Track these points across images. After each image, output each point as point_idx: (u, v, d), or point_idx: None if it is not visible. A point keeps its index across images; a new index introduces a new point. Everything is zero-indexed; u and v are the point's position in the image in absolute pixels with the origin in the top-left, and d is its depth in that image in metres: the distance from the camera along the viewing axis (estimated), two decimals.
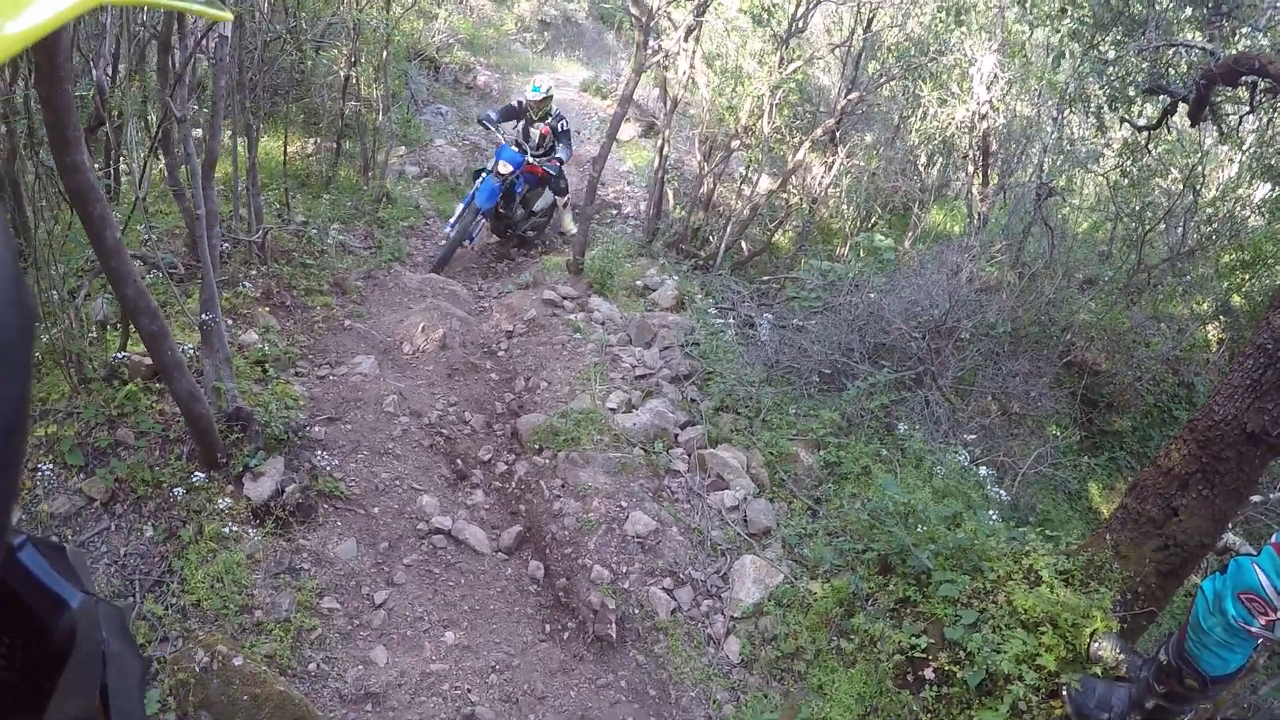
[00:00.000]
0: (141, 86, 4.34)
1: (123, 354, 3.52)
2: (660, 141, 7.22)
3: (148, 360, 3.72)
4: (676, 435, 5.05)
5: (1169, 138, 6.88)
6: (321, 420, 4.39)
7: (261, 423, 3.63)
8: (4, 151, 3.29)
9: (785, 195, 7.85)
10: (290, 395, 4.35)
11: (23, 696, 0.54)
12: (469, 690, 3.26)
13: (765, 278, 7.47)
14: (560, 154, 7.59)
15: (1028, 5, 5.90)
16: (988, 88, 7.00)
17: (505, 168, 7.09)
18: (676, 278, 7.02)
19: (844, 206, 8.47)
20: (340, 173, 7.27)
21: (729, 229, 7.38)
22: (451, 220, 6.98)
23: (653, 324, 6.16)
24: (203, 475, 3.35)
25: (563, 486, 4.49)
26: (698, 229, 7.96)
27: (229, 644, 2.82)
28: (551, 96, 7.55)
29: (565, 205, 8.26)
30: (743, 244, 8.07)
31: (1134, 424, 7.00)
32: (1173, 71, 4.76)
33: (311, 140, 7.54)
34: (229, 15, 0.69)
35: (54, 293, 3.23)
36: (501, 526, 4.35)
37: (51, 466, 3.28)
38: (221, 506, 3.30)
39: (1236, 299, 7.48)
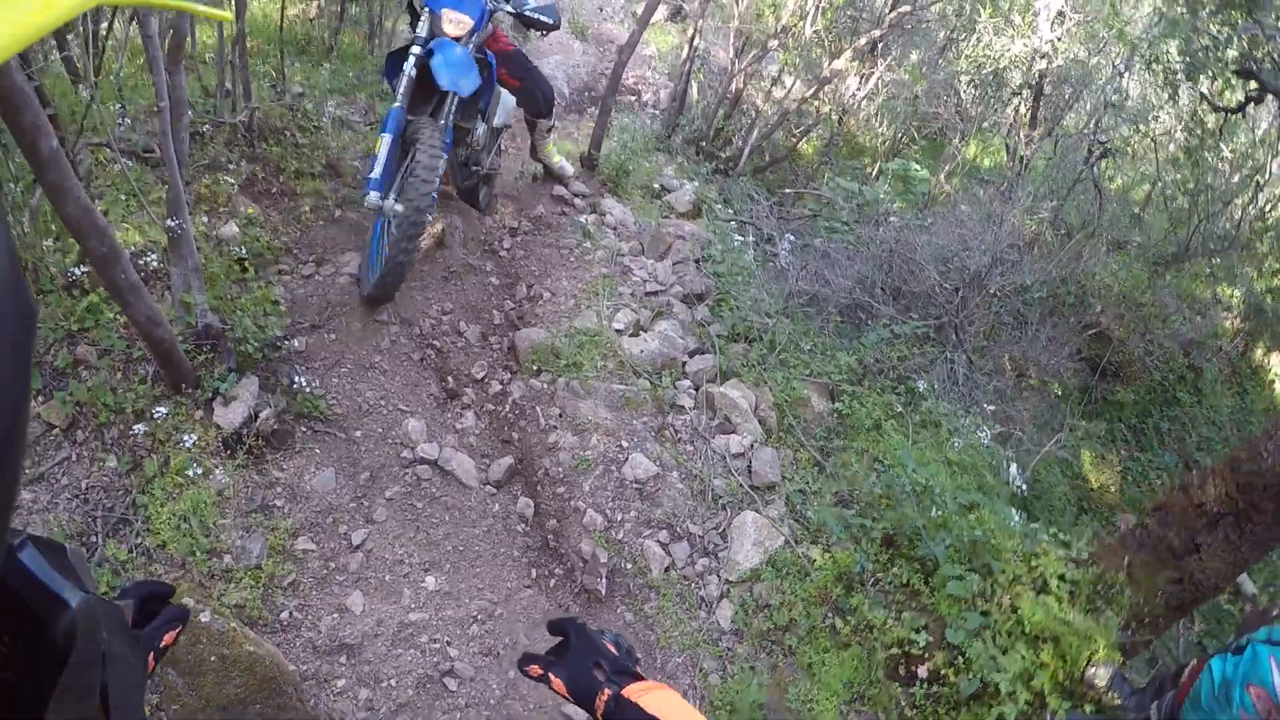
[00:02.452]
0: None
1: (84, 268, 3.37)
2: (691, 30, 6.72)
3: None
4: (684, 364, 4.94)
5: (1242, 125, 6.50)
6: (303, 329, 4.26)
7: (234, 339, 3.52)
8: None
9: (816, 103, 7.43)
10: (270, 300, 4.21)
11: (23, 697, 0.56)
12: (448, 643, 3.29)
13: (786, 189, 7.18)
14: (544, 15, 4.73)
15: None
16: (1052, 25, 6.48)
17: (457, 23, 4.13)
18: (695, 182, 6.73)
19: (876, 124, 8.04)
20: (344, 40, 6.82)
21: (754, 132, 7.02)
22: (373, 175, 3.91)
23: (668, 234, 5.93)
24: (168, 401, 3.28)
25: (560, 416, 4.42)
26: (721, 128, 7.59)
27: (197, 593, 2.82)
28: None
29: (549, 131, 5.88)
30: (765, 148, 7.71)
31: (1135, 397, 7.00)
32: (1270, 61, 4.40)
33: (315, 3, 7.06)
34: (229, 16, 0.76)
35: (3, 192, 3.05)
36: (492, 455, 4.30)
37: None
38: (189, 438, 3.23)
39: (1270, 300, 7.25)
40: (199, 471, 3.21)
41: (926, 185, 6.35)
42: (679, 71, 7.27)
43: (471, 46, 4.22)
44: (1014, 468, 4.72)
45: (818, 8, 6.37)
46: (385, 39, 6.91)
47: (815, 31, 6.76)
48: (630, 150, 6.62)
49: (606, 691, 1.06)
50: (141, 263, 3.67)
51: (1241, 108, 5.31)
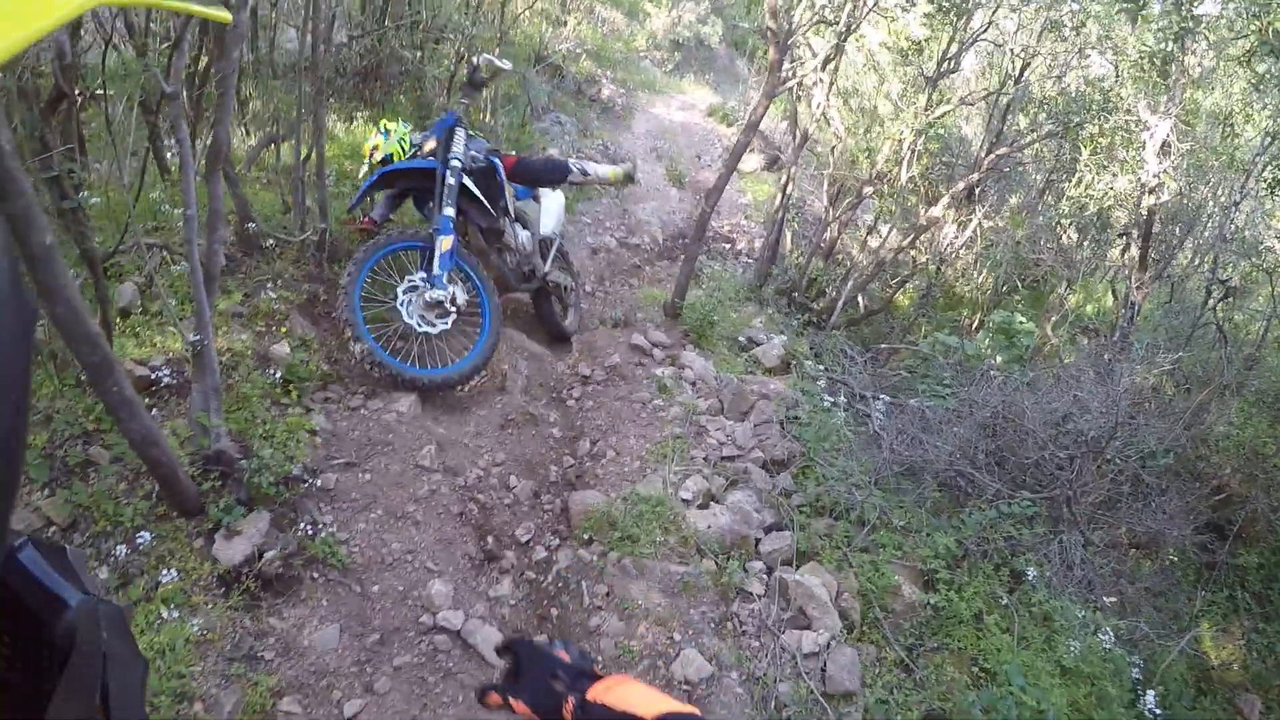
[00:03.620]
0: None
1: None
2: (784, 178, 6.74)
3: (140, 370, 3.45)
4: (758, 542, 4.45)
5: None
6: (336, 465, 4.02)
7: (250, 470, 3.28)
8: None
9: (913, 252, 7.27)
10: (306, 428, 4.01)
11: (23, 697, 0.59)
12: None
13: (881, 344, 6.88)
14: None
15: (1210, 37, 5.24)
16: (1159, 157, 6.22)
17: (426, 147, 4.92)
18: (785, 335, 6.49)
19: (976, 273, 7.80)
20: None
21: (850, 283, 6.83)
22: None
23: (751, 392, 5.60)
24: (166, 524, 3.01)
25: (607, 596, 3.95)
26: (815, 278, 7.46)
27: None
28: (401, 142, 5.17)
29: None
30: (859, 299, 7.49)
31: (1261, 560, 6.16)
32: None
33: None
34: (228, 17, 0.92)
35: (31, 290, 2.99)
36: (524, 632, 3.84)
37: None
38: (172, 572, 2.93)
39: None
40: (185, 602, 2.87)
41: (1031, 338, 5.93)
42: (772, 220, 7.23)
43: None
44: (1150, 695, 4.00)
45: (913, 153, 6.29)
46: None
47: (911, 178, 6.68)
48: (717, 299, 6.47)
49: (570, 700, 1.07)
50: (172, 373, 3.54)
51: None
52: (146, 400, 3.33)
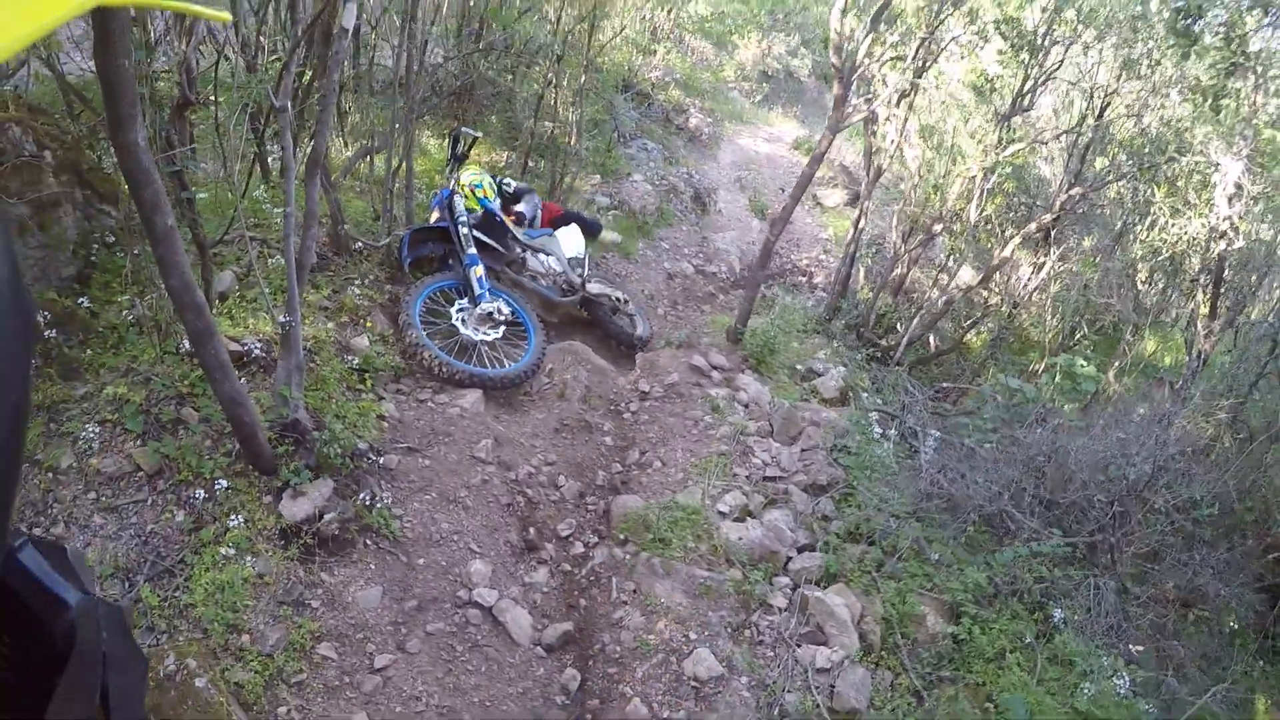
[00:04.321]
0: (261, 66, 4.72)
1: None
2: (857, 213, 6.95)
3: (233, 345, 3.98)
4: (788, 560, 4.66)
5: None
6: (400, 449, 4.49)
7: (321, 441, 3.75)
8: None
9: (985, 293, 7.31)
10: (376, 414, 4.49)
11: (23, 697, 0.59)
12: None
13: (946, 383, 6.94)
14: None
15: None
16: (1230, 201, 6.11)
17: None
18: (846, 367, 6.66)
19: (1049, 316, 7.75)
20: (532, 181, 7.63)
21: (917, 320, 6.94)
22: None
23: (802, 418, 5.81)
24: (242, 479, 3.50)
25: (634, 592, 4.24)
26: (884, 314, 7.59)
27: (201, 660, 2.84)
28: (481, 183, 6.03)
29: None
30: (930, 338, 7.58)
31: None
32: None
33: (507, 154, 8.01)
34: (227, 16, 0.78)
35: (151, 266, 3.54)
36: (554, 618, 4.16)
37: (109, 427, 3.56)
38: (248, 517, 3.42)
39: None
40: (248, 546, 3.34)
41: (1094, 383, 5.92)
42: (844, 254, 7.43)
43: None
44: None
45: (984, 191, 6.39)
46: (564, 193, 7.61)
47: (983, 216, 6.77)
48: (779, 328, 6.70)
49: None
50: (263, 349, 4.07)
51: None
52: (237, 372, 3.85)
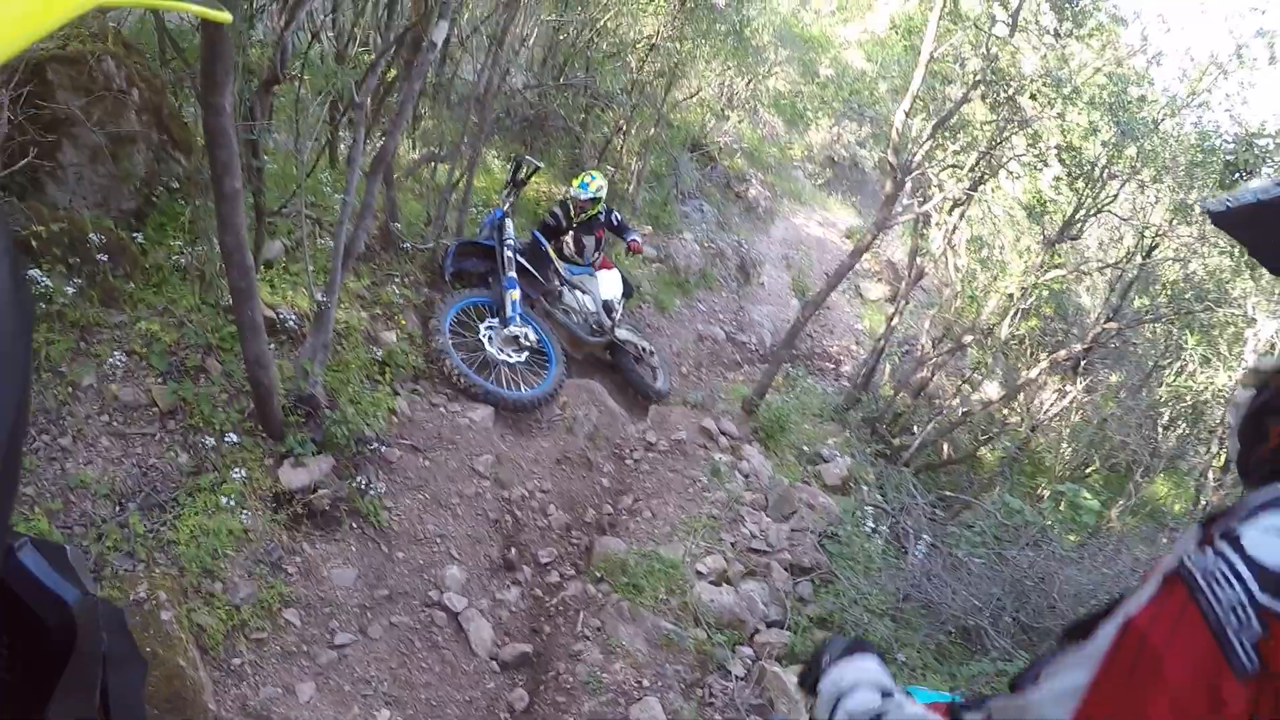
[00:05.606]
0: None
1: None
2: (893, 311, 7.17)
3: (268, 312, 4.26)
4: (755, 632, 4.78)
5: None
6: (404, 445, 4.71)
7: (330, 419, 3.99)
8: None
9: (1006, 411, 7.45)
10: (389, 407, 4.74)
11: (23, 697, 0.60)
12: None
13: (951, 493, 7.04)
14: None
15: None
16: (1260, 358, 6.22)
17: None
18: (854, 459, 6.81)
19: (1064, 444, 7.84)
20: None
21: (933, 425, 7.09)
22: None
23: (798, 498, 5.96)
24: (250, 438, 3.75)
25: (598, 630, 4.38)
26: (901, 414, 7.74)
27: (172, 595, 3.02)
28: (600, 198, 6.65)
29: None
30: (944, 446, 7.70)
31: None
32: None
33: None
34: (227, 17, 0.78)
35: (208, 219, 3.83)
36: (515, 637, 4.31)
37: (135, 359, 3.80)
38: (248, 474, 3.65)
39: None
40: (237, 505, 3.56)
41: (1094, 517, 6.00)
42: (873, 348, 7.63)
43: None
44: None
45: (1019, 311, 6.58)
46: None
47: (1014, 334, 6.94)
48: (794, 408, 6.88)
49: None
50: (296, 321, 4.35)
51: None
52: (267, 337, 4.11)
